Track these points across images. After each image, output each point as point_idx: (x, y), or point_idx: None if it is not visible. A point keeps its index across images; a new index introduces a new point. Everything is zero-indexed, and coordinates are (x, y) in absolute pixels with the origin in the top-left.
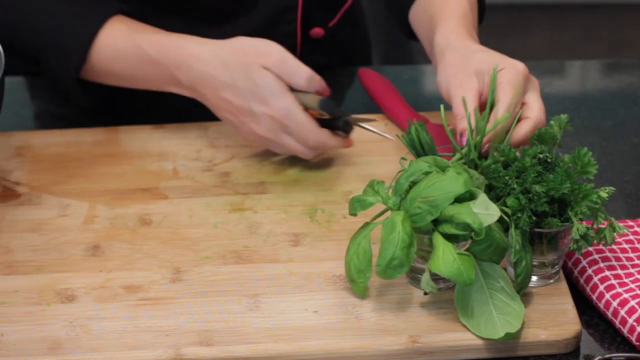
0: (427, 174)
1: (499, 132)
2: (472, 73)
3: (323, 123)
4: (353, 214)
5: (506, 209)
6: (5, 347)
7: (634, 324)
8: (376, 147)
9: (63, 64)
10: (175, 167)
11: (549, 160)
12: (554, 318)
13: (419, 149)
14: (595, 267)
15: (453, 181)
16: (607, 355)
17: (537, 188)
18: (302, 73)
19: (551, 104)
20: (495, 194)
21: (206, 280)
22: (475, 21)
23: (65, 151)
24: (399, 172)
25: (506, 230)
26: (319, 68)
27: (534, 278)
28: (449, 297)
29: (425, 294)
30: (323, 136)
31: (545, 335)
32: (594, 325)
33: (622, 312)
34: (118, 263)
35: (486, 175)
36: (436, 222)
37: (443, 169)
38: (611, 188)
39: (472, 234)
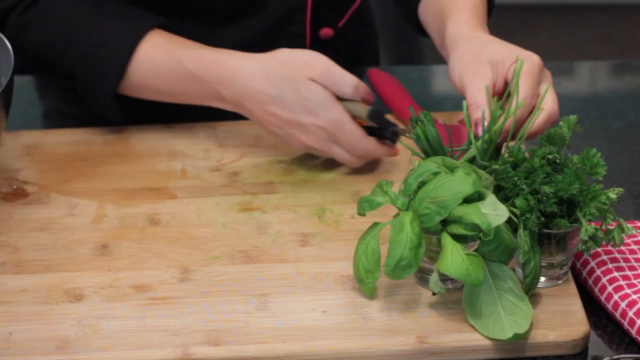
0: (435, 174)
1: (517, 122)
2: (486, 63)
3: (370, 131)
4: (362, 214)
5: (515, 210)
6: (13, 346)
7: None
8: None
9: (100, 79)
10: (184, 167)
11: (558, 161)
12: (562, 319)
13: (424, 144)
14: (603, 268)
15: (462, 182)
16: (616, 357)
17: (546, 189)
18: (348, 82)
19: (560, 105)
20: (504, 195)
21: (214, 280)
22: (485, 14)
23: (74, 150)
24: (411, 170)
25: (515, 230)
26: None
27: (542, 279)
28: (457, 298)
29: (434, 294)
30: (371, 145)
31: (553, 336)
32: (602, 326)
33: (631, 313)
34: (127, 262)
35: (495, 175)
36: (445, 223)
37: (452, 170)
38: (620, 189)
39: (481, 234)
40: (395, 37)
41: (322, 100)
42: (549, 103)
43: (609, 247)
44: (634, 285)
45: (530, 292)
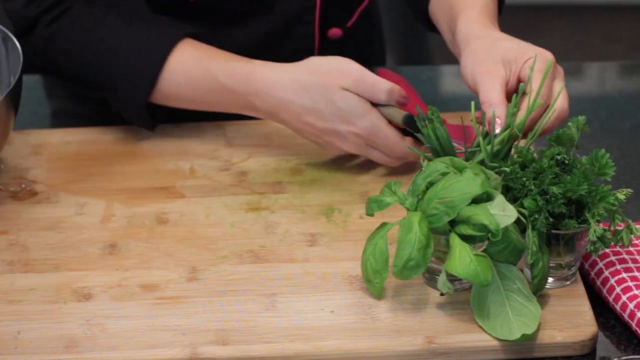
0: (444, 174)
1: (532, 119)
2: (499, 61)
3: (406, 131)
4: (370, 214)
5: (523, 210)
6: (21, 345)
7: None
8: None
9: (132, 89)
10: (193, 166)
11: (566, 161)
12: (570, 320)
13: (434, 142)
14: (612, 269)
15: (470, 182)
16: (624, 358)
17: (554, 189)
18: (382, 88)
19: (569, 106)
20: (512, 195)
21: (223, 279)
22: (495, 11)
23: (83, 150)
24: (419, 171)
25: (523, 231)
26: None
27: (550, 279)
28: (465, 298)
29: (442, 294)
30: (406, 149)
31: (561, 337)
32: (611, 327)
33: (639, 314)
34: (135, 262)
35: (504, 176)
36: (453, 223)
37: (460, 170)
38: (629, 190)
39: (489, 235)
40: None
41: (356, 108)
42: (559, 101)
43: (617, 248)
44: None
45: (539, 293)
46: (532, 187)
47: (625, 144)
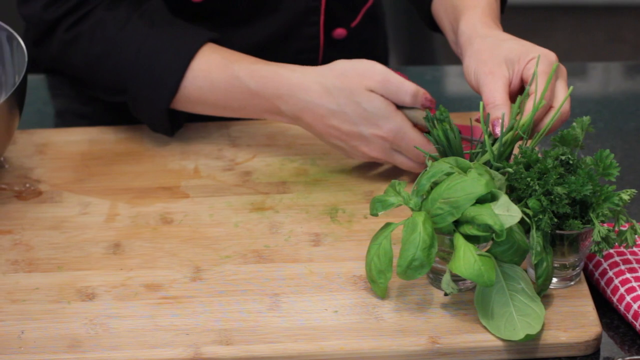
0: (449, 174)
1: (535, 120)
2: (502, 61)
3: None
4: (374, 214)
5: (527, 211)
6: (25, 345)
7: None
8: None
9: (154, 94)
10: (197, 166)
11: (571, 162)
12: (574, 320)
13: (443, 142)
14: (616, 270)
15: (475, 182)
16: (628, 358)
17: (558, 190)
18: (407, 90)
19: (573, 106)
20: (516, 196)
21: (227, 279)
22: (498, 11)
23: (87, 149)
24: (424, 171)
25: (527, 231)
26: None
27: (554, 280)
28: (469, 298)
29: (446, 294)
30: (433, 151)
31: (565, 337)
32: (615, 327)
33: None
34: (139, 261)
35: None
36: (457, 223)
37: (465, 170)
38: (633, 190)
39: (493, 235)
40: (407, 38)
41: (382, 111)
42: (560, 101)
43: (622, 249)
44: None
45: (543, 293)
46: (537, 187)
47: (629, 144)
